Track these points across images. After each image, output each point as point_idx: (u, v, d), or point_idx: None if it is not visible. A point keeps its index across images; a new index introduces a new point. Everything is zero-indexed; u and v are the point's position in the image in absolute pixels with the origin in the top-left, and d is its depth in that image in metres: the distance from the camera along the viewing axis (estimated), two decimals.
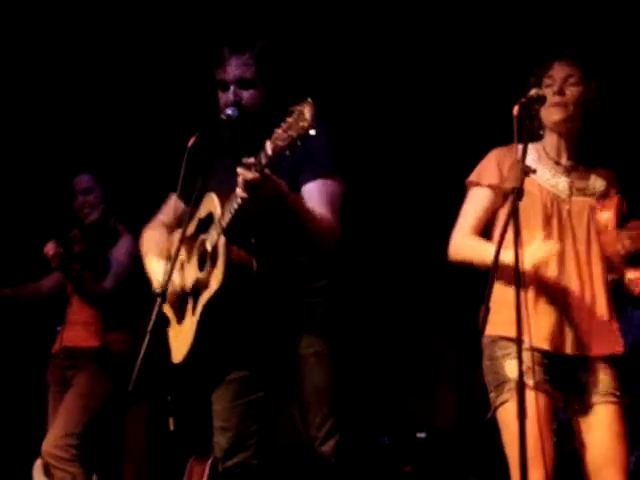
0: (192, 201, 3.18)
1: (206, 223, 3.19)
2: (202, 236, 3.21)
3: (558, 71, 3.16)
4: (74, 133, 5.76)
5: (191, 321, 3.21)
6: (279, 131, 2.84)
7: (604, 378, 3.10)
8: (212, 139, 3.20)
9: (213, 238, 3.11)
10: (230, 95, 3.25)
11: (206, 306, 3.13)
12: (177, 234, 3.33)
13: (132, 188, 5.17)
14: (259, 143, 3.13)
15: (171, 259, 3.11)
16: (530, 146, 3.11)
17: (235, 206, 2.99)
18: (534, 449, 2.87)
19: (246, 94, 3.25)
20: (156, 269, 3.35)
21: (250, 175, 2.88)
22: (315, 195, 3.18)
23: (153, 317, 2.91)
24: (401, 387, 6.00)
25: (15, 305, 5.14)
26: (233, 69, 3.26)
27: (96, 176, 4.89)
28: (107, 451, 5.25)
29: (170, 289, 3.21)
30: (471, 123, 5.43)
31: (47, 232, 4.77)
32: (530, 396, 2.89)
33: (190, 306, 3.24)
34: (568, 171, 3.23)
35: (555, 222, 3.16)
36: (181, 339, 3.23)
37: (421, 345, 6.15)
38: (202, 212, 3.23)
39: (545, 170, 3.19)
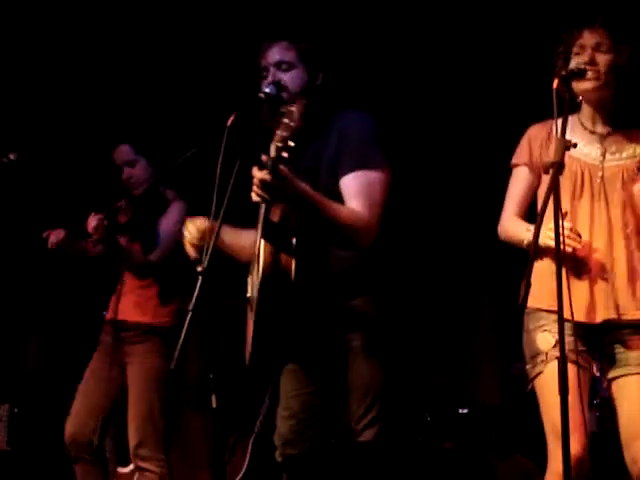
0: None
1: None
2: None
3: (588, 39, 3.10)
4: (115, 105, 5.76)
5: (250, 324, 3.21)
6: (277, 132, 2.85)
7: (636, 349, 3.06)
8: (251, 119, 3.20)
9: (258, 242, 3.09)
10: (269, 77, 3.24)
11: (257, 307, 3.11)
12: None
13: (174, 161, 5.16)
14: (300, 134, 3.14)
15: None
16: (569, 119, 3.08)
17: (263, 210, 3.01)
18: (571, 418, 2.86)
19: (285, 76, 3.23)
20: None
21: (260, 175, 2.87)
22: (349, 188, 3.12)
23: (195, 295, 2.91)
24: (443, 363, 6.00)
25: (63, 257, 4.82)
26: (273, 54, 3.26)
27: (136, 146, 4.69)
28: None
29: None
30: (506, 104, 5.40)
31: (94, 205, 4.70)
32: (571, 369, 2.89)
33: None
34: (603, 138, 3.18)
35: (587, 189, 3.14)
36: (248, 342, 3.23)
37: (463, 321, 6.14)
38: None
39: (578, 140, 3.16)
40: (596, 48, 3.09)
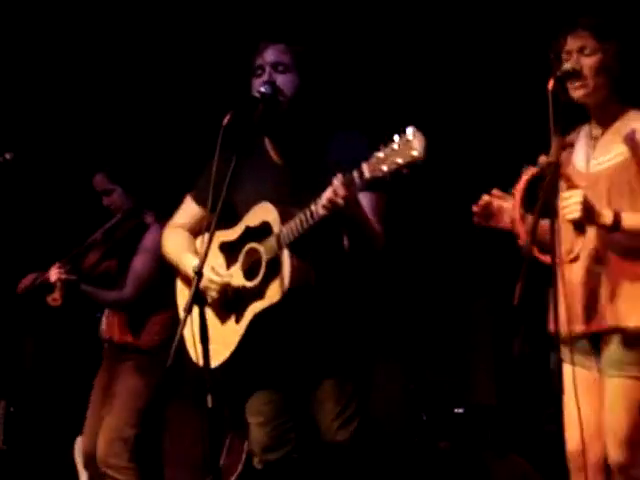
0: (218, 206, 3.05)
1: (259, 232, 3.16)
2: (252, 244, 3.18)
3: (572, 44, 3.05)
4: (102, 119, 5.78)
5: (234, 329, 3.20)
6: (380, 155, 2.79)
7: (613, 351, 3.01)
8: (246, 120, 3.18)
9: (272, 250, 3.09)
10: (265, 76, 3.23)
11: (258, 316, 3.12)
12: (203, 238, 3.24)
13: (162, 171, 5.17)
14: (295, 145, 3.16)
15: (208, 242, 3.00)
16: (585, 126, 3.11)
17: (309, 221, 2.98)
18: (569, 416, 2.86)
19: (280, 77, 3.22)
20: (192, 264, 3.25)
21: (342, 192, 2.87)
22: (367, 206, 3.14)
23: (190, 295, 2.91)
24: (439, 363, 6.00)
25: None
26: (270, 54, 3.25)
27: (112, 173, 4.73)
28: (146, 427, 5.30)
29: (216, 285, 3.21)
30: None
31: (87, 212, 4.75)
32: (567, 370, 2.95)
33: (232, 313, 3.23)
34: (596, 142, 3.13)
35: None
36: (221, 344, 3.20)
37: (459, 321, 6.14)
38: (253, 220, 3.20)
39: (579, 148, 3.14)
40: (580, 52, 3.04)
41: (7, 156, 4.18)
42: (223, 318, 3.27)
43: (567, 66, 3.00)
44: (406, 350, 5.95)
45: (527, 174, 3.06)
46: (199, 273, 2.95)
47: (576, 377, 2.98)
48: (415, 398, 5.71)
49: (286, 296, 3.05)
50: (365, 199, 3.15)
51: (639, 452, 2.96)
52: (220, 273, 3.24)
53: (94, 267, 4.77)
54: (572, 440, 2.95)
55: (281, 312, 3.11)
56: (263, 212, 3.17)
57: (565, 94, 3.02)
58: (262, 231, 3.15)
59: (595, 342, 3.05)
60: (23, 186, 5.51)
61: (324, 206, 2.92)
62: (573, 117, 3.12)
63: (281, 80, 3.23)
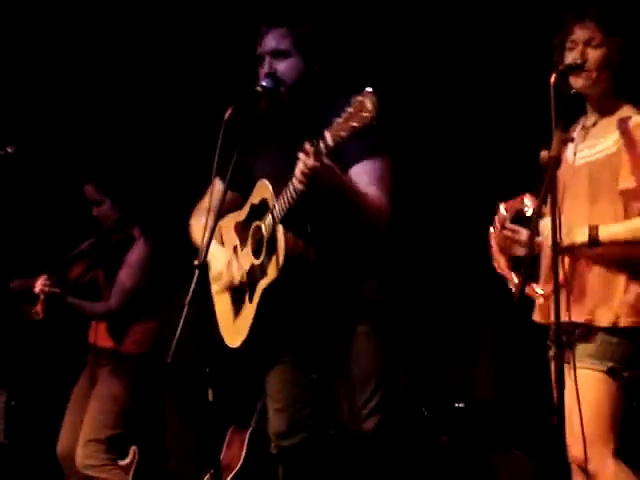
0: (239, 187, 3.18)
1: (260, 209, 3.19)
2: (256, 222, 3.21)
3: (579, 34, 3.04)
4: (97, 122, 5.78)
5: (249, 308, 3.22)
6: (339, 120, 2.83)
7: (583, 345, 2.99)
8: (248, 113, 3.18)
9: (269, 226, 3.10)
10: (265, 66, 3.23)
11: (264, 293, 3.14)
12: (227, 219, 3.35)
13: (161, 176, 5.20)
14: (298, 123, 3.13)
15: (209, 235, 3.05)
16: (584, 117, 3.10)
17: (292, 195, 3.00)
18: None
19: (280, 65, 3.23)
20: (216, 254, 3.32)
21: (310, 163, 2.88)
22: (363, 176, 3.16)
23: (191, 289, 2.91)
24: (439, 357, 6.00)
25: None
26: (269, 41, 3.24)
27: (102, 184, 4.81)
28: (147, 421, 5.30)
29: (228, 278, 3.26)
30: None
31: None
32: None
33: (247, 294, 3.24)
34: (588, 134, 3.11)
35: (567, 192, 3.07)
36: (239, 325, 3.24)
37: (460, 316, 6.14)
38: (255, 198, 3.23)
39: (576, 139, 3.14)
40: (587, 43, 3.04)
41: (9, 149, 4.18)
42: (240, 297, 3.29)
43: (570, 60, 2.99)
44: (407, 345, 5.94)
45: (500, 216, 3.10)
46: (200, 267, 2.95)
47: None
48: (416, 393, 5.71)
49: (282, 271, 3.05)
50: (361, 168, 3.16)
51: (597, 447, 2.93)
52: (242, 265, 3.26)
53: (80, 278, 4.84)
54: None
55: (281, 288, 3.11)
56: (261, 189, 3.20)
57: (567, 88, 3.02)
58: (262, 208, 3.18)
59: (571, 335, 3.05)
60: (23, 180, 5.51)
61: (298, 180, 2.93)
62: (575, 111, 3.12)
63: (282, 68, 3.22)
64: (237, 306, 3.31)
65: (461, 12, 5.28)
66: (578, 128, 3.17)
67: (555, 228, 2.72)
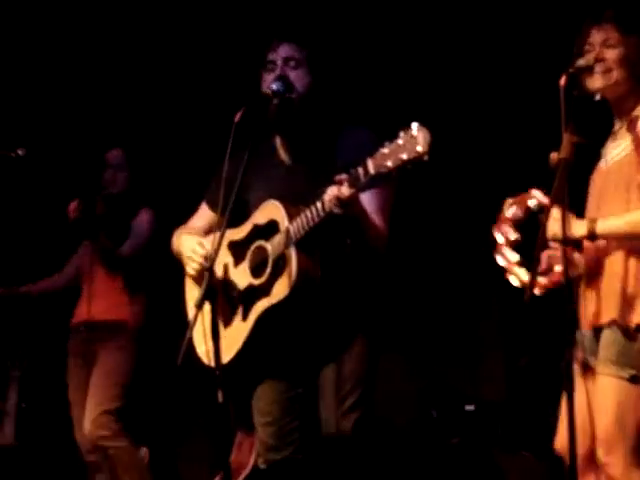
0: (229, 206, 3.06)
1: (267, 230, 3.17)
2: (260, 242, 3.20)
3: (596, 37, 3.05)
4: (109, 110, 5.80)
5: (241, 326, 3.21)
6: (384, 151, 2.80)
7: (607, 350, 2.97)
8: (258, 116, 3.18)
9: (279, 247, 3.10)
10: (277, 70, 3.25)
11: (264, 313, 3.14)
12: (212, 236, 3.30)
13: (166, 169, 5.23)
14: (304, 136, 3.15)
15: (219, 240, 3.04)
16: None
17: (314, 219, 3.00)
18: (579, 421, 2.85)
19: (293, 73, 3.25)
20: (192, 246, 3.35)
21: (347, 190, 2.88)
22: (371, 204, 3.16)
23: (202, 291, 2.92)
24: (448, 359, 5.99)
25: (30, 301, 5.25)
26: (284, 49, 3.27)
27: (128, 155, 4.97)
28: (159, 424, 5.31)
29: (198, 257, 3.28)
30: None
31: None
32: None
33: (240, 311, 3.24)
34: (615, 137, 3.12)
35: (595, 193, 3.10)
36: (227, 342, 3.19)
37: (469, 318, 6.14)
38: (260, 218, 3.22)
39: (607, 144, 3.14)
40: (603, 44, 3.03)
41: (19, 152, 4.20)
42: (229, 316, 3.28)
43: (581, 62, 2.99)
44: (416, 348, 5.94)
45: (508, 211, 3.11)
46: (210, 269, 2.96)
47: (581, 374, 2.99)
48: (426, 395, 5.71)
49: (293, 292, 3.05)
50: (369, 196, 3.16)
51: (618, 453, 2.92)
52: (205, 246, 3.27)
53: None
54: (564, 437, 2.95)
55: (287, 308, 3.11)
56: (270, 210, 3.18)
57: (579, 90, 3.00)
58: (269, 229, 3.17)
59: (596, 339, 3.05)
60: (35, 181, 5.55)
61: (333, 205, 2.93)
62: (589, 114, 3.11)
63: (293, 75, 3.24)
64: (225, 321, 3.28)
65: (474, 12, 5.28)
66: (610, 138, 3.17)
67: (565, 231, 2.73)
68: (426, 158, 2.73)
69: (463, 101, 5.61)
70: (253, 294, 3.18)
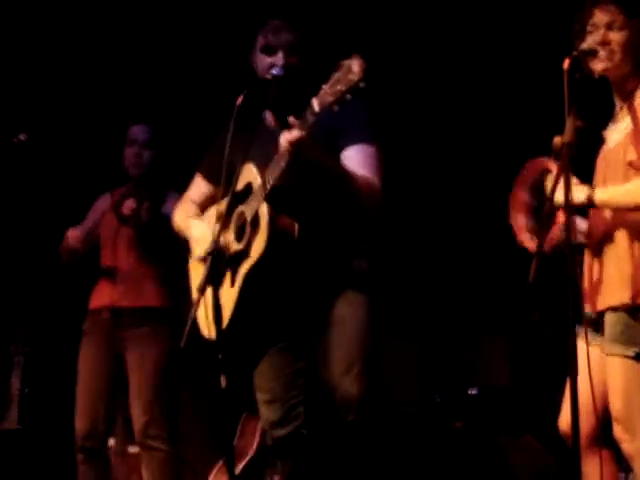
0: (224, 178, 3.12)
1: (244, 194, 3.18)
2: (240, 208, 3.20)
3: (600, 18, 3.03)
4: (122, 90, 5.79)
5: (230, 293, 3.20)
6: (326, 87, 2.87)
7: (611, 329, 3.00)
8: (258, 100, 3.22)
9: (253, 207, 3.11)
10: (279, 58, 3.27)
11: (247, 276, 3.13)
12: (211, 210, 3.36)
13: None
14: (295, 110, 3.12)
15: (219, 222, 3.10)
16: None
17: (278, 171, 3.01)
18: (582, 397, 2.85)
19: (293, 59, 3.27)
20: (203, 231, 3.35)
21: (296, 134, 2.91)
22: (355, 159, 3.19)
23: (205, 275, 2.93)
24: (452, 344, 6.00)
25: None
26: (285, 34, 3.29)
27: (157, 134, 4.72)
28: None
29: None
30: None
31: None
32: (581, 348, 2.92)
33: (228, 278, 3.23)
34: (617, 119, 3.12)
35: (600, 177, 3.10)
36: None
37: (472, 302, 6.14)
38: (239, 185, 3.21)
39: (610, 125, 3.13)
40: (608, 27, 3.02)
41: (22, 137, 4.18)
42: (221, 286, 3.25)
43: (585, 45, 2.98)
44: (420, 332, 5.95)
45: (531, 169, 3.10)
46: (212, 253, 2.97)
47: (589, 355, 2.99)
48: (429, 379, 5.72)
49: (268, 249, 3.04)
50: (351, 152, 3.19)
51: (635, 429, 2.95)
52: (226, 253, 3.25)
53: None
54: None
55: (267, 267, 3.10)
56: (246, 174, 3.20)
57: (582, 73, 2.99)
58: (246, 192, 3.18)
59: (600, 320, 3.06)
60: (37, 166, 5.53)
61: (284, 150, 2.95)
62: (591, 96, 3.10)
63: (294, 62, 3.27)
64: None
65: (462, 16, 5.29)
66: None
67: (569, 217, 2.72)
68: (362, 85, 2.80)
69: (467, 89, 5.61)
70: (239, 259, 3.17)
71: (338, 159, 3.17)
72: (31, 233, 5.79)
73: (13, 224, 5.78)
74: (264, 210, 3.08)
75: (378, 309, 3.27)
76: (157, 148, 4.72)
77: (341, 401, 3.16)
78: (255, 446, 4.76)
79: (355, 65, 2.81)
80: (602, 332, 3.05)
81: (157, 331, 4.56)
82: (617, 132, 3.07)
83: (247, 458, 4.74)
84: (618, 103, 3.13)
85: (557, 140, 2.92)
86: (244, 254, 3.15)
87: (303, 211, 3.15)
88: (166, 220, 4.41)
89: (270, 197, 3.07)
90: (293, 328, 3.28)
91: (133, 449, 4.84)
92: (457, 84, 5.63)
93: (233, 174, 3.11)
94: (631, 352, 2.95)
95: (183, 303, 4.50)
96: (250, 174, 3.16)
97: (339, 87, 2.83)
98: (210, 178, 3.47)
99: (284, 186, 3.05)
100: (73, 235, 4.59)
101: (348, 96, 2.82)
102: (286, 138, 2.94)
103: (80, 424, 4.57)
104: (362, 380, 3.17)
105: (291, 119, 2.95)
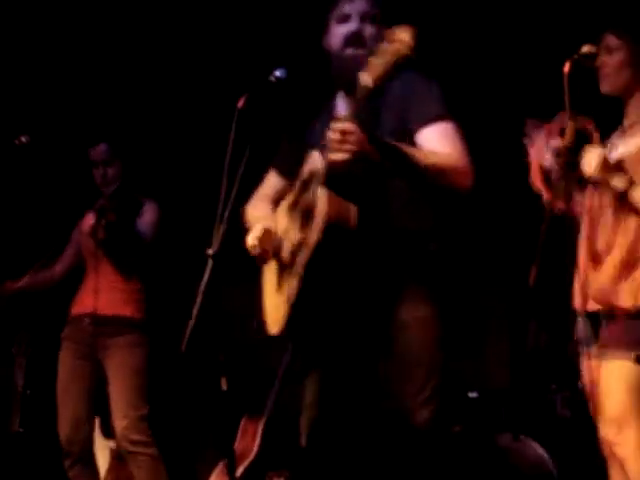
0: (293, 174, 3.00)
1: (309, 183, 3.01)
2: (304, 195, 3.03)
3: (603, 42, 3.07)
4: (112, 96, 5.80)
5: (289, 286, 3.00)
6: (373, 59, 2.74)
7: (607, 332, 3.03)
8: (261, 102, 3.11)
9: (313, 193, 2.93)
10: (353, 25, 3.10)
11: (306, 265, 2.91)
12: (282, 204, 3.24)
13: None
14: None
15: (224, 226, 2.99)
16: None
17: (334, 156, 2.83)
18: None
19: (369, 29, 3.10)
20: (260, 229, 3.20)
21: (341, 126, 2.77)
22: (434, 138, 3.00)
23: (205, 278, 2.90)
24: (452, 347, 5.99)
25: (29, 296, 5.16)
26: (360, 2, 3.12)
27: (114, 148, 4.79)
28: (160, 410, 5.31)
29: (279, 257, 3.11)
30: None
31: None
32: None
33: (292, 270, 3.02)
34: (623, 135, 3.13)
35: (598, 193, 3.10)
36: (279, 308, 3.04)
37: (472, 305, 6.13)
38: (305, 174, 3.06)
39: (614, 141, 3.14)
40: (607, 50, 3.06)
41: (23, 139, 4.19)
42: (284, 277, 3.09)
43: (585, 49, 3.00)
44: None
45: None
46: (214, 256, 2.94)
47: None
48: None
49: (322, 234, 2.83)
50: (431, 130, 3.01)
51: (627, 433, 2.97)
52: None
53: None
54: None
55: (324, 257, 2.87)
56: (311, 162, 3.04)
57: (583, 77, 3.00)
58: (311, 180, 3.02)
59: (594, 322, 3.06)
60: (39, 168, 5.54)
61: (334, 148, 2.81)
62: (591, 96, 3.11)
63: (369, 32, 3.09)
64: (278, 285, 3.12)
65: (465, 17, 5.28)
66: (617, 132, 3.16)
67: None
68: (412, 54, 2.69)
69: (468, 90, 5.60)
70: (300, 249, 2.97)
71: (407, 143, 2.95)
72: (33, 235, 5.79)
73: (14, 226, 5.79)
74: (320, 195, 2.88)
75: (448, 317, 3.18)
76: (121, 158, 4.78)
77: (409, 426, 3.06)
78: (256, 448, 4.76)
79: (404, 33, 2.70)
80: (596, 334, 3.05)
81: (137, 340, 4.67)
82: (628, 145, 3.07)
83: (248, 460, 4.74)
84: (631, 118, 3.12)
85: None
86: (305, 243, 2.94)
87: (366, 195, 2.96)
88: (138, 237, 4.52)
89: (330, 182, 2.88)
90: (350, 329, 3.07)
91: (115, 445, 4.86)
92: (457, 83, 5.61)
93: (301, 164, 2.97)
94: (631, 355, 2.95)
95: (163, 316, 4.63)
96: (315, 162, 2.97)
97: (388, 57, 2.72)
98: (282, 172, 3.32)
99: (343, 172, 2.85)
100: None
101: (400, 63, 2.70)
102: (332, 135, 2.79)
103: (63, 430, 4.67)
104: (429, 406, 3.07)
105: (339, 110, 2.82)
